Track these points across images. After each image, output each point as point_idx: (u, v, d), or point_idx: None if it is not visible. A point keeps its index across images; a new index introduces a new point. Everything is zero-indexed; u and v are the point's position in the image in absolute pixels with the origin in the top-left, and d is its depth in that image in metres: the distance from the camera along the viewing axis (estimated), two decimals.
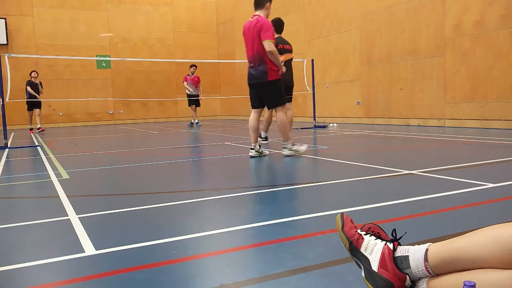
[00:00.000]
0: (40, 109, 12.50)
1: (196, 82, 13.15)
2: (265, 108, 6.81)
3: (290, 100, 6.85)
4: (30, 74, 12.46)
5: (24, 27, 15.72)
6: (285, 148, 5.23)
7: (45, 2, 15.97)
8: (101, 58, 10.43)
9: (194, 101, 13.27)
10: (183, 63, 17.31)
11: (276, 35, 6.76)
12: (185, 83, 13.16)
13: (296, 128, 9.44)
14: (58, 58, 14.69)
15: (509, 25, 7.68)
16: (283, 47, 6.34)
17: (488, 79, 8.09)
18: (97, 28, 16.77)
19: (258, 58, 5.04)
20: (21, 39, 15.66)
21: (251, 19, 5.14)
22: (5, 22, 15.22)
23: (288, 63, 6.52)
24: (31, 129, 12.51)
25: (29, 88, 12.10)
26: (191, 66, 13.09)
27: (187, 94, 13.27)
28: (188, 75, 13.11)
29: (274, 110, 5.37)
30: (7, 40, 15.24)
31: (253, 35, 5.04)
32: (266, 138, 6.76)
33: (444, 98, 8.99)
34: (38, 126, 12.47)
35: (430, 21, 9.14)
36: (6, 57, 7.97)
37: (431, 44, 9.16)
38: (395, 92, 10.15)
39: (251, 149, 5.25)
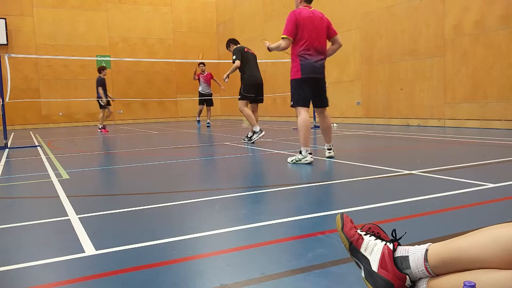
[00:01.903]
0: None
1: (209, 80, 12.55)
2: (245, 104, 7.05)
3: (258, 101, 7.30)
4: (102, 71, 11.62)
5: (24, 27, 15.72)
6: (330, 149, 4.92)
7: (45, 2, 15.97)
8: (101, 58, 10.45)
9: (206, 101, 12.65)
10: (183, 63, 17.33)
11: (239, 45, 7.40)
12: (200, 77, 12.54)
13: (295, 128, 9.42)
14: (58, 58, 14.68)
15: (509, 25, 7.68)
16: (249, 51, 7.26)
17: (488, 79, 8.09)
18: (97, 28, 16.77)
19: (324, 52, 4.79)
20: (21, 39, 15.66)
21: (309, 9, 4.76)
22: (5, 22, 15.22)
23: (256, 62, 7.23)
24: (103, 128, 12.04)
25: (100, 90, 11.46)
26: (199, 64, 12.50)
27: (199, 93, 12.66)
28: (200, 73, 12.54)
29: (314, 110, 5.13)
30: (7, 40, 15.24)
31: (322, 26, 4.73)
32: (261, 130, 6.99)
33: (444, 98, 8.99)
34: (102, 126, 12.15)
35: (430, 21, 9.14)
36: (6, 57, 7.97)
37: (431, 44, 9.16)
38: (395, 92, 10.15)
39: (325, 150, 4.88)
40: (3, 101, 7.26)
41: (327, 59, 4.90)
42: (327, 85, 4.98)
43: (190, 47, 18.34)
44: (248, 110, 7.09)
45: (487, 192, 2.93)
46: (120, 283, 1.65)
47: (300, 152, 4.59)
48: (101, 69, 11.66)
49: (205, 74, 12.57)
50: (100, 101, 11.63)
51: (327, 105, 4.91)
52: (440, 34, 8.94)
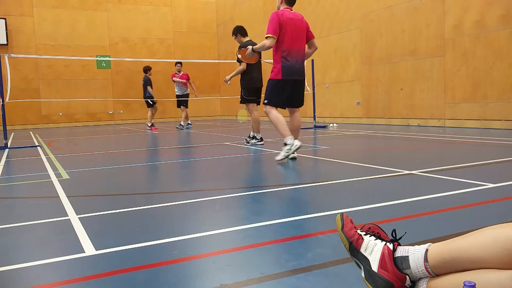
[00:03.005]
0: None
1: (184, 80, 11.93)
2: (251, 107, 6.93)
3: (258, 103, 7.02)
4: (148, 71, 11.72)
5: (24, 27, 15.73)
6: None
7: (45, 2, 15.98)
8: (101, 58, 10.43)
9: (181, 102, 12.02)
10: (183, 63, 17.30)
11: (247, 39, 7.01)
12: (174, 78, 11.93)
13: None
14: (58, 58, 14.69)
15: (509, 25, 7.68)
16: None
17: (488, 79, 8.09)
18: (97, 28, 16.78)
19: (303, 54, 4.88)
20: (21, 39, 15.67)
21: (291, 11, 4.81)
22: (5, 22, 15.23)
23: (258, 64, 6.78)
24: (152, 126, 12.20)
25: (149, 89, 11.72)
26: (176, 64, 12.00)
27: (176, 95, 12.11)
28: (176, 73, 11.92)
29: (292, 109, 5.07)
30: (7, 40, 15.25)
31: (302, 29, 4.81)
32: (261, 139, 6.79)
33: (444, 98, 8.99)
34: (150, 123, 12.25)
35: (430, 21, 9.14)
36: (6, 57, 7.98)
37: (431, 44, 9.16)
38: (395, 92, 10.15)
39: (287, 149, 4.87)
40: (3, 101, 7.26)
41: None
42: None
43: (190, 47, 18.34)
44: (257, 115, 6.89)
45: (487, 192, 2.93)
46: (120, 283, 1.65)
47: (285, 144, 4.63)
48: (147, 69, 11.91)
49: (180, 74, 11.90)
50: (149, 100, 11.92)
51: (301, 105, 5.01)
52: (440, 34, 8.94)
